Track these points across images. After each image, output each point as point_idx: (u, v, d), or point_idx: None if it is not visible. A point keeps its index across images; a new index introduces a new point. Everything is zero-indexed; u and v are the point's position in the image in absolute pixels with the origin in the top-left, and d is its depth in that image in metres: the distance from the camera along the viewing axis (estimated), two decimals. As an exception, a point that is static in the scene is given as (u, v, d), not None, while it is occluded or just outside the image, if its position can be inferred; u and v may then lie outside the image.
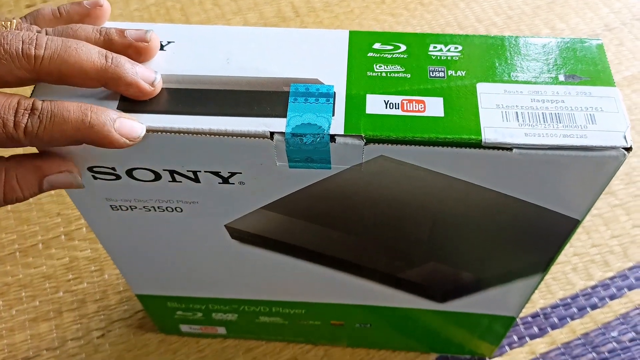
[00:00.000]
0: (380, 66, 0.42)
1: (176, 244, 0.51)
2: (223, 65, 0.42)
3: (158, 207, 0.47)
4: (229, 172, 0.42)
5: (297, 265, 0.52)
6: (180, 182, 0.44)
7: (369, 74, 0.41)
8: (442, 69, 0.41)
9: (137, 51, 0.40)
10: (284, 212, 0.47)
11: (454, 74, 0.41)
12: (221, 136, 0.39)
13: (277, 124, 0.39)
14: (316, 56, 0.42)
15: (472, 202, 0.44)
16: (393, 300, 0.56)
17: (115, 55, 0.38)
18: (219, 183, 0.43)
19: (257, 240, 0.50)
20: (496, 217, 0.44)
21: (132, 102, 0.39)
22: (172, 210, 0.47)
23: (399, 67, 0.42)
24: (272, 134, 0.39)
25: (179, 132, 0.39)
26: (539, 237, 0.45)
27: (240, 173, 0.42)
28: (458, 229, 0.46)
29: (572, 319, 0.67)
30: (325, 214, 0.47)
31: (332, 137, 0.39)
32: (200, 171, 0.43)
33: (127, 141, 0.37)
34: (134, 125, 0.38)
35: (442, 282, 0.53)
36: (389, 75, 0.41)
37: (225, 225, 0.49)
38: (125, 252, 0.52)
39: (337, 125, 0.39)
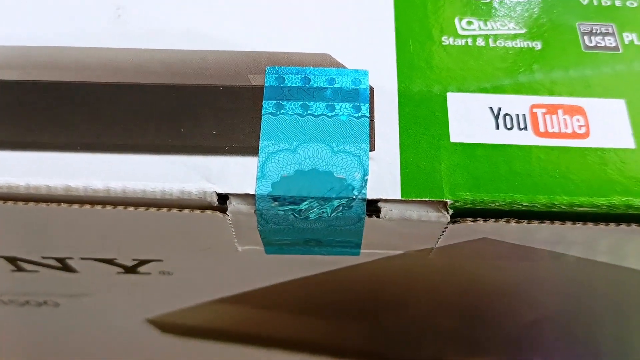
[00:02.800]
0: (469, 23, 0.18)
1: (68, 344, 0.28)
2: (109, 24, 0.18)
3: (10, 301, 0.23)
4: (134, 260, 0.19)
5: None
6: (37, 271, 0.20)
7: (444, 41, 0.18)
8: (610, 29, 0.18)
9: None
10: (259, 306, 0.24)
11: (636, 42, 0.18)
12: (99, 207, 0.16)
13: (235, 175, 0.16)
14: (325, 6, 0.18)
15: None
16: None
17: None
18: (121, 273, 0.20)
19: (214, 334, 0.28)
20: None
21: None
22: (41, 305, 0.24)
23: (511, 25, 0.18)
24: (221, 199, 0.16)
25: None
26: None
27: (160, 261, 0.19)
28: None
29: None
30: (333, 307, 0.24)
31: (372, 206, 0.16)
32: (71, 258, 0.19)
33: None
34: None
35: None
36: (489, 44, 0.18)
37: (147, 319, 0.26)
38: None
39: (382, 177, 0.16)
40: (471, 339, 0.29)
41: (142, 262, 0.20)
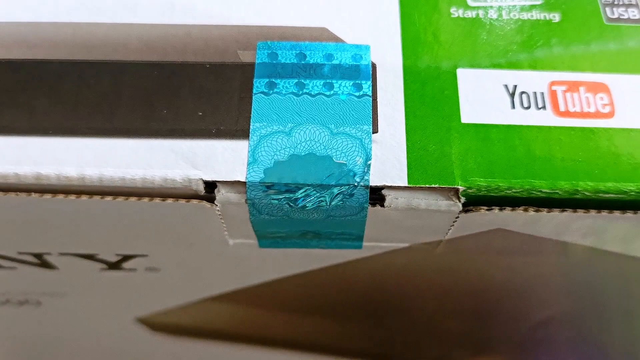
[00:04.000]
0: (481, -6, 0.17)
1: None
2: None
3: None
4: (117, 255, 0.18)
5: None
6: (14, 268, 0.19)
7: (453, 13, 0.16)
8: (634, 0, 0.17)
9: None
10: (254, 305, 0.23)
11: (664, 12, 0.16)
12: (74, 197, 0.14)
13: (223, 160, 0.14)
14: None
15: None
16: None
17: None
18: (104, 270, 0.19)
19: (208, 334, 0.26)
20: None
21: None
22: (23, 304, 0.22)
23: (526, -4, 0.17)
24: (209, 187, 0.14)
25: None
26: None
27: (145, 256, 0.18)
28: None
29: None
30: (333, 305, 0.23)
31: (375, 193, 0.14)
32: (49, 254, 0.18)
33: None
34: None
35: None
36: (502, 16, 0.16)
37: (137, 318, 0.24)
38: None
39: (386, 162, 0.14)
40: (478, 338, 0.27)
41: (126, 258, 0.18)
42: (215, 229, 0.16)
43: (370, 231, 0.16)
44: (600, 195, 0.14)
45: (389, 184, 0.14)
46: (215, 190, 0.14)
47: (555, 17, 0.16)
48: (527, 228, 0.16)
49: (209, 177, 0.14)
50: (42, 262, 0.18)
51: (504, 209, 0.14)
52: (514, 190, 0.14)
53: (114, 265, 0.19)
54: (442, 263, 0.18)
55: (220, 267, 0.19)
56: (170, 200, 0.14)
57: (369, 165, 0.14)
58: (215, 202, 0.14)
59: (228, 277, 0.19)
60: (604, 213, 0.14)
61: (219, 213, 0.15)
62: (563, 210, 0.14)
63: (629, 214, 0.14)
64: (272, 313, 0.24)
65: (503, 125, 0.15)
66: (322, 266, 0.19)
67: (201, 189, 0.14)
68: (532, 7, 0.16)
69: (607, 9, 0.16)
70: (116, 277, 0.20)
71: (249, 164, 0.14)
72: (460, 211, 0.14)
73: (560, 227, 0.15)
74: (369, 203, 0.14)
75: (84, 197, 0.14)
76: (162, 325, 0.25)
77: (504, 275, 0.20)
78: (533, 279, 0.21)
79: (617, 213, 0.14)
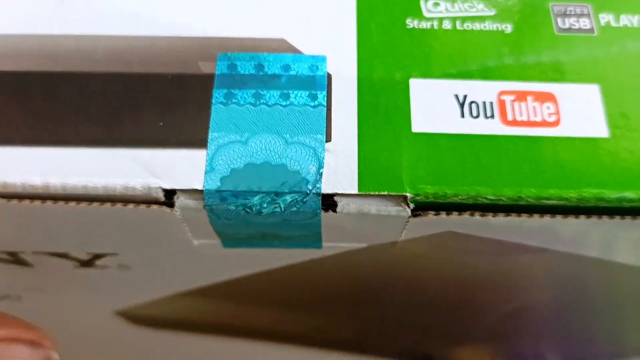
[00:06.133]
0: (436, 5, 0.17)
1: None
2: (52, 9, 0.17)
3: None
4: (88, 254, 0.18)
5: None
6: (-11, 265, 0.20)
7: (409, 24, 0.17)
8: (586, 9, 0.17)
9: None
10: (228, 299, 0.23)
11: (613, 23, 0.17)
12: (39, 202, 0.15)
13: (182, 169, 0.15)
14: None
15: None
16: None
17: None
18: (77, 267, 0.19)
19: (187, 326, 0.27)
20: None
21: None
22: (3, 298, 0.23)
23: (480, 7, 0.17)
24: (168, 195, 0.15)
25: None
26: None
27: (116, 255, 0.18)
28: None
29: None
30: (303, 299, 0.24)
31: (328, 200, 0.15)
32: (23, 252, 0.18)
33: None
34: None
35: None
36: (456, 26, 0.17)
37: (115, 311, 0.25)
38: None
39: (338, 170, 0.15)
40: (451, 329, 0.28)
41: (98, 256, 0.19)
42: (179, 231, 0.16)
43: (327, 233, 0.16)
44: (542, 202, 0.15)
45: (340, 192, 0.15)
46: (175, 197, 0.15)
47: (508, 27, 0.17)
48: (477, 230, 0.16)
49: (168, 186, 0.15)
50: (17, 259, 0.19)
51: (451, 213, 0.15)
52: (460, 197, 0.15)
53: (87, 263, 0.19)
54: (402, 261, 0.19)
55: (188, 264, 0.19)
56: (131, 206, 0.15)
57: (322, 173, 0.15)
58: (175, 208, 0.15)
59: (198, 274, 0.20)
60: (547, 218, 0.15)
61: (180, 217, 0.15)
62: (507, 215, 0.15)
63: (571, 219, 0.15)
64: (246, 307, 0.25)
65: (452, 135, 0.15)
66: (288, 264, 0.20)
67: (161, 196, 0.15)
68: (485, 18, 0.17)
69: (559, 19, 0.17)
70: (90, 273, 0.20)
71: (206, 172, 0.15)
72: (409, 216, 0.15)
73: (507, 230, 0.16)
74: (322, 209, 0.15)
75: (49, 203, 0.15)
76: (140, 318, 0.26)
77: (467, 271, 0.21)
78: (498, 274, 0.22)
79: (559, 217, 0.15)
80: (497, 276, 0.21)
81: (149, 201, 0.15)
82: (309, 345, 0.28)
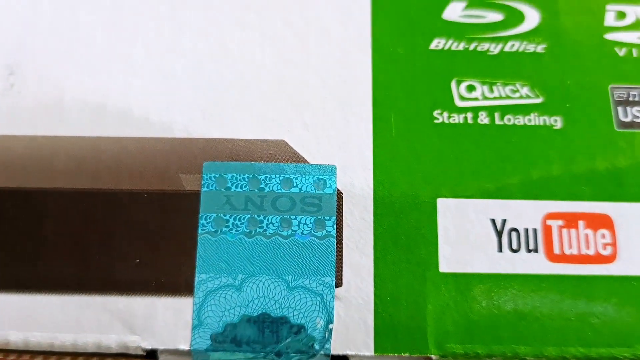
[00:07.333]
0: (471, 88, 0.14)
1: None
2: (-2, 96, 0.14)
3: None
4: None
5: None
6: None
7: (437, 117, 0.14)
8: (653, 94, 0.14)
9: None
10: None
11: (686, 111, 0.14)
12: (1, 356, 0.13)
13: (164, 323, 0.12)
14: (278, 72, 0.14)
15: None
16: None
17: None
18: None
19: None
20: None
21: None
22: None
23: (525, 90, 0.14)
24: (149, 354, 0.12)
25: None
26: None
27: None
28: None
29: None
30: None
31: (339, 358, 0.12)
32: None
33: None
34: None
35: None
36: (495, 121, 0.14)
37: None
38: None
39: (350, 324, 0.12)
40: None
41: None
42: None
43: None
44: (590, 360, 0.13)
45: (353, 353, 0.12)
46: (158, 353, 0.13)
47: (558, 122, 0.14)
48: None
49: (149, 345, 0.12)
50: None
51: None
52: (494, 359, 0.12)
53: None
54: None
55: None
56: (107, 360, 0.13)
57: (331, 330, 0.12)
58: (155, 365, 0.13)
59: None
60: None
61: (165, 364, 0.13)
62: (548, 371, 0.13)
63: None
64: None
65: (487, 275, 0.13)
66: None
67: (140, 353, 0.13)
68: (531, 108, 0.14)
69: (620, 109, 0.14)
70: None
71: (193, 327, 0.12)
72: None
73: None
74: (329, 369, 0.13)
75: (12, 357, 0.13)
76: None
77: None
78: None
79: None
80: None
81: (128, 356, 0.13)
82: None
